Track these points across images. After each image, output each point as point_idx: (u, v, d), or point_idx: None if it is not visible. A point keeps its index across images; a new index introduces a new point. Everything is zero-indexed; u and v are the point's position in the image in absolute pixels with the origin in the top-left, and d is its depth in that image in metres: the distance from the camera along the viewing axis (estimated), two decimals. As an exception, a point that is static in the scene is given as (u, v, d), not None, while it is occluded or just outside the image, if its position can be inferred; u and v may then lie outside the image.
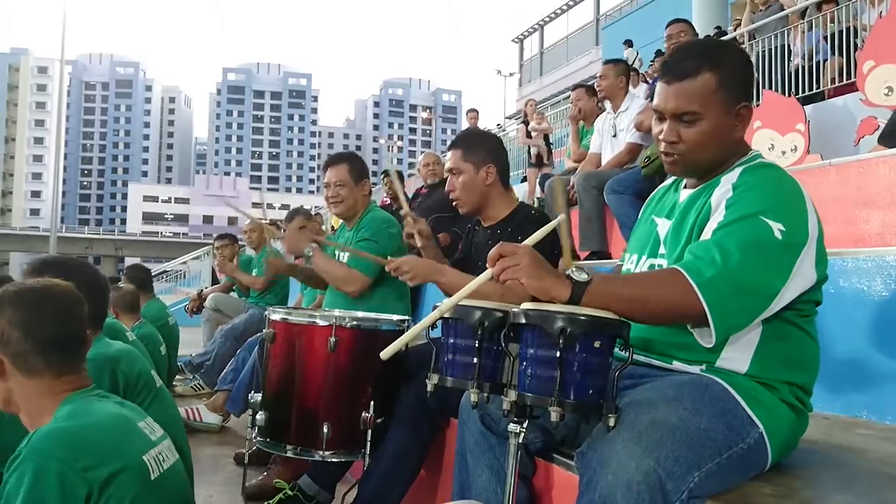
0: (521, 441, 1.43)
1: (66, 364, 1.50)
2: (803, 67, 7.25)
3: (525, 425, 1.41)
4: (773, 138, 5.83)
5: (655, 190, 1.82)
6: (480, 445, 1.71)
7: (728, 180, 1.49)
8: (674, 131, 1.53)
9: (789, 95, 6.88)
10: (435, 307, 1.51)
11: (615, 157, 4.69)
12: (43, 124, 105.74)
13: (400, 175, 4.95)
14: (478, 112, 11.07)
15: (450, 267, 2.58)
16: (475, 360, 1.45)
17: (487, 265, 1.40)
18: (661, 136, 1.57)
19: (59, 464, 1.30)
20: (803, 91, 7.17)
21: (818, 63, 7.18)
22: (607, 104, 5.00)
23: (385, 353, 1.45)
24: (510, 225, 2.42)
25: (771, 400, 1.44)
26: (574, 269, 1.34)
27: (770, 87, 7.38)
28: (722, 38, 7.08)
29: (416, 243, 2.59)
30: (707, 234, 1.43)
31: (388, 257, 2.92)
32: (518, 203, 2.53)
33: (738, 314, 1.36)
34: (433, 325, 1.59)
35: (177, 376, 5.41)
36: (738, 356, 1.46)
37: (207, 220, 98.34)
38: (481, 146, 2.50)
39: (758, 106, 6.55)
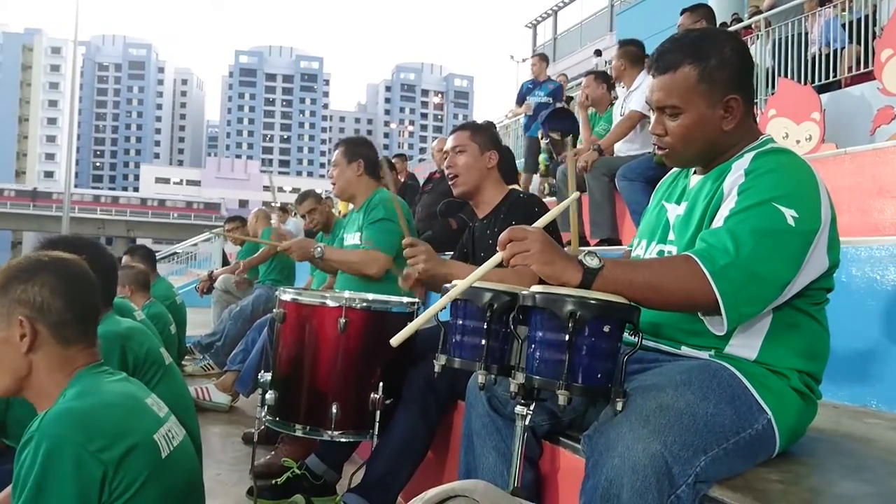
0: (527, 423, 1.43)
1: (91, 337, 1.53)
2: (820, 55, 7.15)
3: (532, 408, 1.42)
4: (787, 127, 5.77)
5: (666, 175, 1.81)
6: (487, 428, 1.72)
7: (740, 166, 1.48)
8: (660, 124, 1.57)
9: (805, 84, 6.80)
10: (444, 290, 1.51)
11: (617, 126, 4.67)
12: (56, 105, 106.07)
13: (390, 163, 4.95)
14: (545, 58, 8.54)
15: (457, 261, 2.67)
16: (483, 341, 1.46)
17: (497, 248, 1.39)
18: (649, 128, 1.61)
19: (73, 447, 1.30)
20: (820, 79, 7.09)
21: (835, 51, 7.08)
22: (619, 91, 4.98)
23: (395, 340, 1.44)
24: (501, 211, 2.48)
25: (780, 387, 1.44)
26: (586, 254, 1.33)
27: (786, 75, 7.29)
28: (723, 28, 6.99)
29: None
30: (719, 220, 1.42)
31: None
32: (508, 189, 2.59)
33: (750, 303, 1.35)
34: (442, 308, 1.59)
35: (186, 356, 5.46)
36: (747, 343, 1.45)
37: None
38: (487, 133, 2.60)
39: (773, 94, 6.49)
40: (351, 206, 3.61)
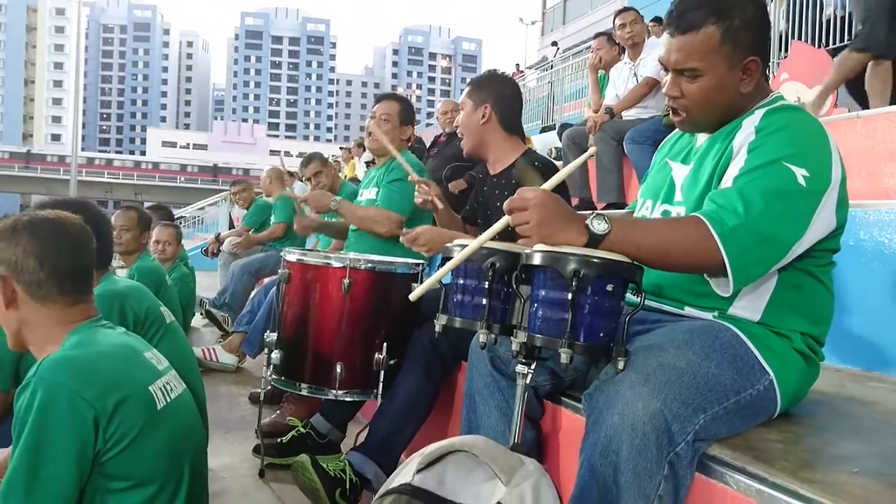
0: (528, 382, 1.44)
1: (78, 293, 1.52)
2: (835, 18, 7.00)
3: (533, 367, 1.42)
4: (799, 91, 5.67)
5: (671, 134, 1.78)
6: (490, 387, 1.72)
7: (750, 123, 1.45)
8: (675, 85, 1.51)
9: (819, 47, 6.66)
10: (446, 249, 1.50)
11: (633, 91, 4.62)
12: (62, 67, 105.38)
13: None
14: None
15: (461, 230, 2.64)
16: (485, 301, 1.46)
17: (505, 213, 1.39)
18: (663, 90, 1.55)
19: (68, 392, 1.32)
20: (834, 43, 6.94)
21: (851, 14, 6.92)
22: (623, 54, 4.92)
23: (413, 296, 1.46)
24: (513, 175, 2.39)
25: (782, 348, 1.43)
26: (593, 217, 1.32)
27: (800, 39, 7.15)
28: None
29: (431, 207, 2.56)
30: (728, 180, 1.40)
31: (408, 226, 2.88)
32: (524, 150, 2.50)
33: (758, 264, 1.34)
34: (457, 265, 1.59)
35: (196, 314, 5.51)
36: (751, 304, 1.45)
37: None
38: (488, 86, 2.48)
39: (786, 58, 6.37)
40: (364, 168, 3.60)
